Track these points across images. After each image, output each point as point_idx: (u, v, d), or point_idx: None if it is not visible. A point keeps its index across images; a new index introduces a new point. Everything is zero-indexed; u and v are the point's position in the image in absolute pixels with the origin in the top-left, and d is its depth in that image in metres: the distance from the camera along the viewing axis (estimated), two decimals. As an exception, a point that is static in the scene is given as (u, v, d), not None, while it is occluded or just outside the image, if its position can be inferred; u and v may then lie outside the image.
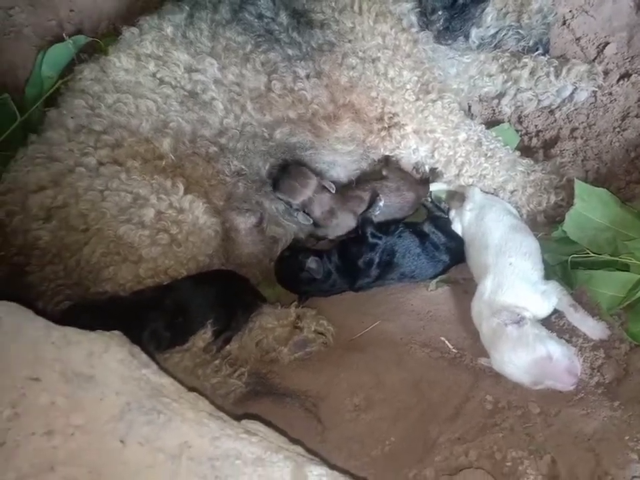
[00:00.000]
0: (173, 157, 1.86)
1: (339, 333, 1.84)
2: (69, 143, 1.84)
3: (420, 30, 2.02)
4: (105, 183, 1.75)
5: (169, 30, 1.96)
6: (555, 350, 1.59)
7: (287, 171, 1.92)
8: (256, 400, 1.63)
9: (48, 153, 1.83)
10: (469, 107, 2.39)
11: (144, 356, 1.07)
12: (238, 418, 1.16)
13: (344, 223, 1.99)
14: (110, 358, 1.00)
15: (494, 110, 2.36)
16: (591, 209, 1.87)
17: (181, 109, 1.90)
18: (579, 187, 1.89)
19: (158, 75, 1.92)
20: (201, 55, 1.92)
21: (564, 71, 2.13)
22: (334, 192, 1.95)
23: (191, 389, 1.10)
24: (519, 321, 1.64)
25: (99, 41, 2.26)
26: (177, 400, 1.01)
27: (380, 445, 1.49)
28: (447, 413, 1.60)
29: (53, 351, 0.99)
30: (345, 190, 2.03)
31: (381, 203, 1.97)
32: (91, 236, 1.69)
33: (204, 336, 1.63)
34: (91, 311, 1.57)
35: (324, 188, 1.94)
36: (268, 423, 1.21)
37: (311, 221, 1.94)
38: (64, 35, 2.23)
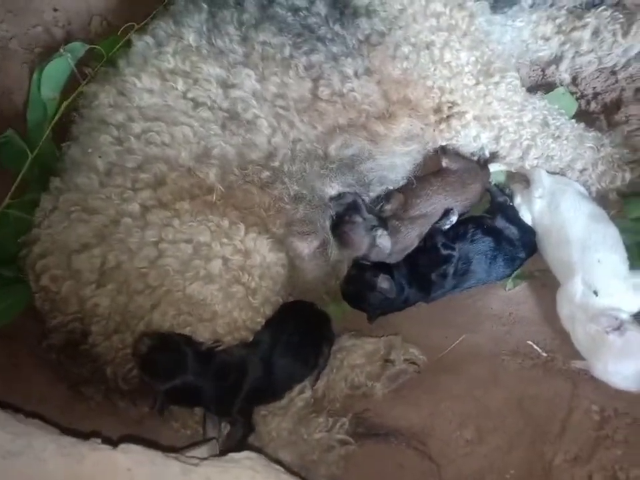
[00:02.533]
0: (222, 189, 1.66)
1: (426, 353, 1.76)
2: (104, 189, 1.63)
3: (475, 1, 1.77)
4: (158, 233, 1.57)
5: (191, 38, 1.69)
6: (663, 353, 1.55)
7: (338, 234, 1.77)
8: (359, 444, 1.57)
9: (83, 204, 1.62)
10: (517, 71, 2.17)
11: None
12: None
13: (411, 246, 1.86)
14: (263, 497, 0.91)
15: (544, 72, 2.15)
16: (673, 187, 1.76)
17: (222, 132, 1.67)
18: (658, 162, 1.76)
19: (189, 95, 1.67)
20: (235, 66, 1.67)
21: (633, 28, 1.91)
22: (388, 251, 1.80)
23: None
24: (620, 327, 1.58)
25: (100, 48, 1.95)
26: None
27: (502, 480, 1.47)
28: (555, 429, 1.58)
29: (202, 502, 0.89)
30: (407, 209, 1.86)
31: (453, 218, 1.82)
32: (158, 299, 1.53)
33: (303, 396, 1.54)
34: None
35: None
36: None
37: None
38: (61, 49, 1.91)
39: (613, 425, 1.55)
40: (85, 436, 1.05)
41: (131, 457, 0.95)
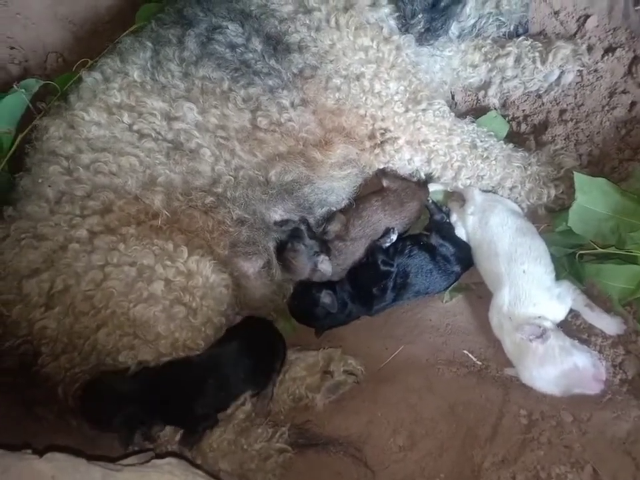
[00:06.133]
0: (167, 214, 1.76)
1: (366, 364, 1.84)
2: (54, 216, 1.72)
3: (401, 35, 1.91)
4: (104, 257, 1.66)
5: (135, 74, 1.81)
6: (581, 359, 1.64)
7: (282, 260, 1.88)
8: (300, 454, 1.64)
9: (33, 231, 1.71)
10: (452, 96, 2.32)
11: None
12: None
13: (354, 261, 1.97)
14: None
15: (477, 97, 2.30)
16: (593, 201, 1.87)
17: (167, 161, 1.78)
18: (579, 179, 1.87)
19: (135, 128, 1.79)
20: (177, 100, 1.79)
21: (550, 55, 2.07)
22: (329, 275, 1.90)
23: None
24: (542, 334, 1.68)
25: (54, 84, 2.06)
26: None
27: (432, 483, 1.54)
28: (486, 433, 1.66)
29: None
30: (349, 230, 1.96)
31: (394, 236, 1.93)
32: (103, 319, 1.61)
33: (244, 408, 1.61)
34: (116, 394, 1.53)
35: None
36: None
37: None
38: (14, 84, 2.02)
39: (539, 427, 1.64)
40: (17, 448, 1.12)
41: (56, 464, 1.02)
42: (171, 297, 1.64)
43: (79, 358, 1.64)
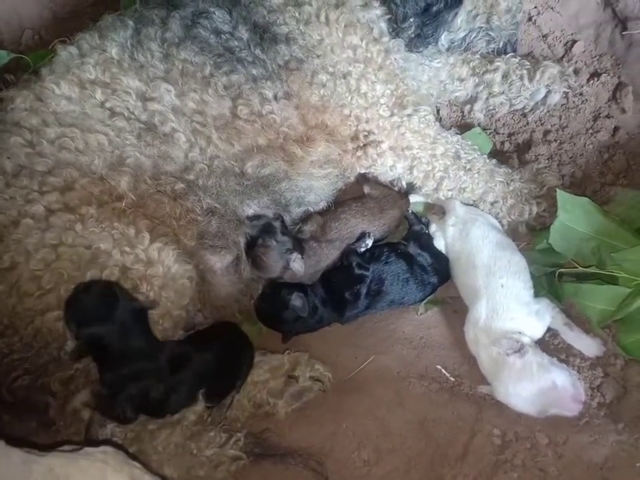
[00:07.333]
0: (133, 197, 1.65)
1: (334, 373, 1.73)
2: (9, 189, 1.59)
3: (391, 38, 1.88)
4: (58, 236, 1.53)
5: (113, 51, 1.73)
6: (560, 378, 1.56)
7: (251, 257, 1.78)
8: (255, 464, 1.50)
9: (-15, 204, 1.58)
10: (438, 111, 2.30)
11: (147, 477, 0.92)
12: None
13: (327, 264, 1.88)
14: (110, 491, 0.85)
15: (463, 113, 2.28)
16: (575, 219, 1.84)
17: (138, 142, 1.68)
18: (561, 197, 1.84)
19: (107, 105, 1.69)
20: (155, 80, 1.70)
21: (537, 74, 2.06)
22: (301, 275, 1.80)
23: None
24: (520, 349, 1.60)
25: (26, 57, 1.97)
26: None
27: (396, 502, 1.42)
28: (456, 452, 1.55)
29: (39, 494, 0.82)
30: (325, 232, 1.88)
31: (369, 241, 1.85)
32: (49, 302, 1.47)
33: (194, 409, 1.47)
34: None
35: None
36: None
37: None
38: (-17, 54, 1.92)
39: (513, 449, 1.55)
40: None
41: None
42: (127, 284, 1.51)
43: (20, 343, 1.49)
